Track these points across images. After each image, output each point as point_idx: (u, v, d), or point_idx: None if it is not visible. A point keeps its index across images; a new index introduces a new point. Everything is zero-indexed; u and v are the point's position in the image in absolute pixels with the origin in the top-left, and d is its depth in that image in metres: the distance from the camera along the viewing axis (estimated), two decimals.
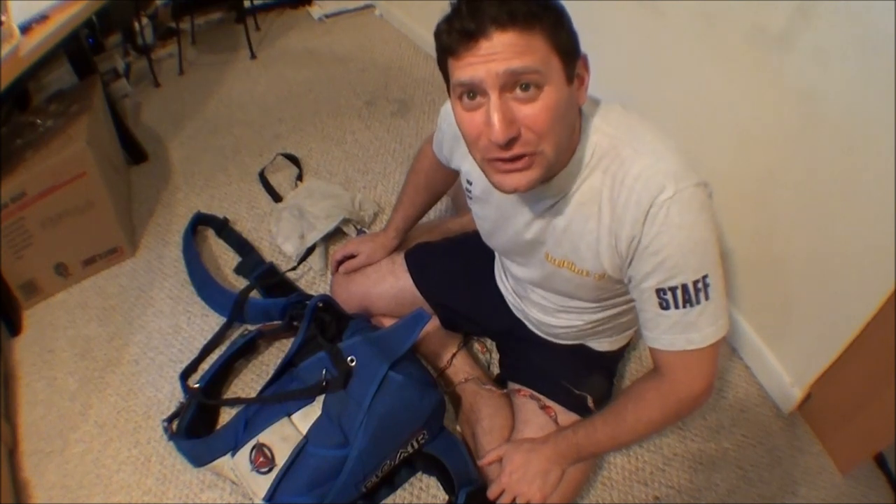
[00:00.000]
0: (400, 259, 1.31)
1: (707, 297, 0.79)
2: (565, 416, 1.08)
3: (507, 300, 1.20)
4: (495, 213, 0.97)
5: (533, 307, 1.11)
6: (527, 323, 1.17)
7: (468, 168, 0.99)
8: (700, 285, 0.79)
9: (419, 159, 1.28)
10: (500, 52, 0.68)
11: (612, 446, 1.04)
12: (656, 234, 0.77)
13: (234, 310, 1.39)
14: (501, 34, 0.67)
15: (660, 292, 0.80)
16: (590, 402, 1.10)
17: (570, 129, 0.77)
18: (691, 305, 0.80)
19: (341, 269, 1.37)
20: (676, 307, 0.80)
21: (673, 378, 0.87)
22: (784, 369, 1.30)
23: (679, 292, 0.79)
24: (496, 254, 1.20)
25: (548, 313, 1.09)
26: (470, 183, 1.01)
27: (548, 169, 0.77)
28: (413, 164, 1.30)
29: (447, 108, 1.01)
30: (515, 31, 0.67)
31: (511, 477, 1.03)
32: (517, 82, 0.69)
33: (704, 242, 0.78)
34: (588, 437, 0.99)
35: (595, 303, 1.00)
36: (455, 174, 1.15)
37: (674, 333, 0.83)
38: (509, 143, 0.71)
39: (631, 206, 0.77)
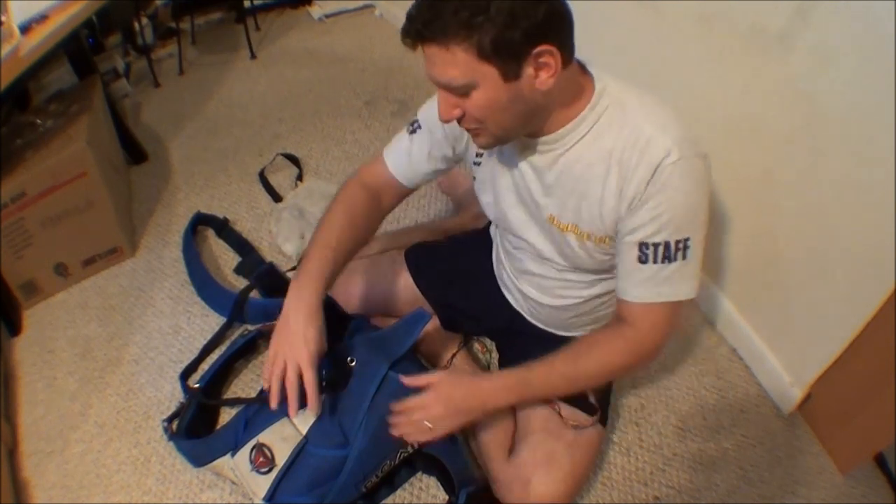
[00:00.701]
0: (400, 258, 1.31)
1: (684, 258, 0.86)
2: (568, 410, 1.08)
3: (504, 290, 1.20)
4: (506, 169, 0.99)
5: (531, 286, 1.11)
6: (525, 314, 1.17)
7: None
8: (681, 245, 0.85)
9: (352, 195, 1.08)
10: (431, 60, 0.78)
11: (563, 389, 1.01)
12: (656, 192, 0.83)
13: (235, 310, 1.39)
14: (427, 46, 0.77)
15: (642, 246, 0.86)
16: (591, 398, 1.10)
17: (524, 113, 0.83)
18: (669, 262, 0.86)
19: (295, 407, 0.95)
20: (655, 262, 0.86)
21: (638, 328, 0.91)
22: (784, 369, 1.30)
23: (661, 248, 0.85)
24: (494, 236, 1.20)
25: (544, 291, 1.09)
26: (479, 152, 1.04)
27: (499, 138, 0.87)
28: (341, 202, 1.07)
29: (431, 111, 1.00)
30: (435, 45, 0.76)
31: (429, 399, 0.97)
32: (447, 87, 0.80)
33: (696, 208, 0.85)
34: (544, 376, 0.96)
35: (593, 274, 1.01)
36: (395, 201, 1.13)
37: (647, 287, 0.88)
38: (459, 120, 0.84)
39: (641, 168, 0.83)
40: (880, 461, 1.22)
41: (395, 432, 1.00)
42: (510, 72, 0.77)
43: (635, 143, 0.83)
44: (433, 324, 1.29)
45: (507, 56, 0.75)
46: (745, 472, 1.21)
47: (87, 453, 1.24)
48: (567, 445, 1.04)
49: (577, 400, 1.09)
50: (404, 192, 1.13)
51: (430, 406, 0.97)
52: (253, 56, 2.52)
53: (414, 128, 1.07)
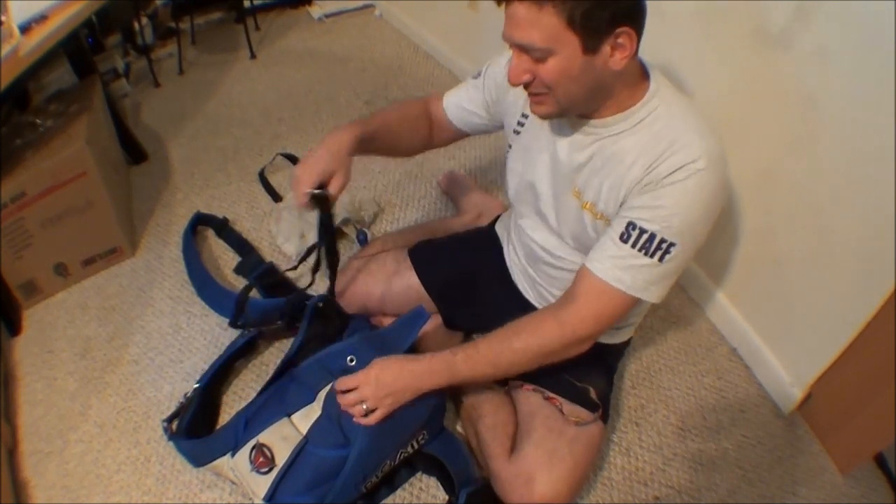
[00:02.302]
0: (402, 258, 1.31)
1: (661, 260, 0.86)
2: (570, 407, 1.08)
3: (514, 277, 1.20)
4: (547, 140, 1.02)
5: (541, 270, 1.12)
6: (534, 302, 1.17)
7: (523, 102, 1.04)
8: (664, 245, 0.86)
9: (406, 103, 1.19)
10: (515, 20, 0.80)
11: (490, 372, 1.00)
12: (669, 186, 0.84)
13: (236, 311, 1.38)
14: (518, 4, 0.79)
15: (630, 225, 0.87)
16: (592, 395, 1.10)
17: (591, 87, 0.86)
18: (645, 254, 0.86)
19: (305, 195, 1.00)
20: (633, 246, 0.87)
21: (583, 307, 0.91)
22: (784, 369, 1.30)
23: (645, 237, 0.86)
24: (506, 227, 1.23)
25: (554, 276, 1.10)
26: (525, 116, 1.07)
27: (562, 109, 0.89)
28: (404, 102, 1.21)
29: (497, 68, 1.09)
30: (527, 4, 0.78)
31: (363, 380, 1.00)
32: (525, 49, 0.82)
33: (696, 222, 0.86)
34: (467, 359, 0.98)
35: None
36: (442, 138, 1.21)
37: (612, 264, 0.88)
38: (526, 85, 0.86)
39: (667, 162, 0.85)
40: (880, 461, 1.22)
41: (344, 409, 1.02)
42: (590, 45, 0.80)
43: (672, 141, 0.85)
44: (433, 323, 1.29)
45: (592, 30, 0.79)
46: (745, 472, 1.21)
47: (87, 453, 1.24)
48: (569, 443, 1.04)
49: (578, 396, 1.09)
50: (450, 131, 1.20)
51: (361, 388, 1.00)
52: (253, 56, 2.52)
53: (476, 74, 1.14)
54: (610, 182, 0.92)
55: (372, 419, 1.00)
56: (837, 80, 1.02)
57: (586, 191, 0.96)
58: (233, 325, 1.34)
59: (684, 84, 1.34)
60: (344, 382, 1.03)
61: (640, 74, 0.91)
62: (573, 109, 0.91)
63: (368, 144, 1.06)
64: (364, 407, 1.00)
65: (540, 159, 1.04)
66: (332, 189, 1.00)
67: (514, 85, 0.87)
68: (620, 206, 0.91)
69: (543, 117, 0.94)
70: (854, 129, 1.01)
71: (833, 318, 1.16)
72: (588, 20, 0.78)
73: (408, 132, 1.16)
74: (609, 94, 0.89)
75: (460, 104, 1.17)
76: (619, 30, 0.80)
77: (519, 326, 0.97)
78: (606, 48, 0.81)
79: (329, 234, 1.13)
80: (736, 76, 1.22)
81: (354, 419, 1.01)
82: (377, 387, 1.00)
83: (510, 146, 1.11)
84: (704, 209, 0.86)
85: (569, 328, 0.93)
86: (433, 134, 1.21)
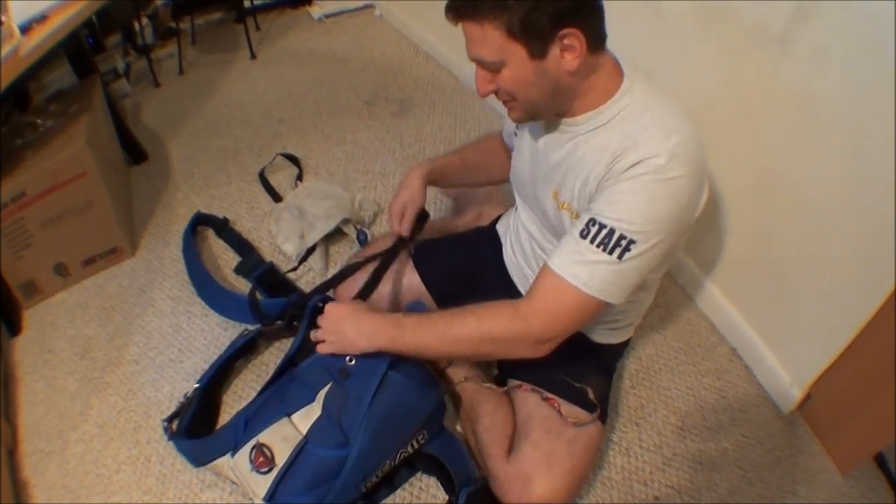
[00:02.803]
0: (404, 257, 1.31)
1: (620, 258, 0.84)
2: (568, 408, 1.08)
3: (514, 276, 1.21)
4: (530, 141, 1.06)
5: (536, 261, 1.13)
6: None
7: None
8: (623, 242, 0.83)
9: (485, 138, 1.34)
10: (467, 37, 0.86)
11: (435, 345, 0.99)
12: (628, 180, 0.84)
13: (254, 312, 1.37)
14: (463, 23, 0.85)
15: (590, 221, 0.85)
16: (591, 395, 1.10)
17: (550, 90, 0.88)
18: (603, 250, 0.84)
19: (405, 223, 1.21)
20: (591, 242, 0.85)
21: (537, 302, 0.89)
22: (784, 369, 1.30)
23: (604, 232, 0.84)
24: (508, 226, 1.25)
25: None
26: None
27: (530, 113, 0.93)
28: (477, 139, 1.36)
29: None
30: (471, 23, 0.83)
31: (328, 309, 1.07)
32: (482, 63, 0.88)
33: (657, 220, 0.83)
34: (416, 326, 0.98)
35: None
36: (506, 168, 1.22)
37: (569, 260, 0.87)
38: (496, 94, 0.91)
39: (628, 156, 0.84)
40: (880, 461, 1.22)
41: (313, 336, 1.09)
42: (536, 51, 0.83)
43: (634, 136, 0.86)
44: None
45: (534, 36, 0.82)
46: (745, 472, 1.21)
47: (87, 453, 1.24)
48: (567, 444, 1.04)
49: (576, 397, 1.09)
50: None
51: (325, 317, 1.07)
52: (253, 56, 2.52)
53: None
54: (581, 181, 0.93)
55: (321, 349, 1.07)
56: (837, 80, 1.02)
57: (562, 191, 0.98)
58: (263, 323, 1.35)
59: (684, 84, 1.34)
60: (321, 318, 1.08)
61: (613, 72, 0.91)
62: (542, 112, 0.94)
63: (442, 179, 1.25)
64: (318, 334, 1.07)
65: (527, 159, 1.08)
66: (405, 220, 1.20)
67: (483, 96, 0.92)
68: (589, 203, 0.91)
69: (517, 122, 1.00)
70: (854, 129, 1.01)
71: (833, 318, 1.16)
72: (527, 27, 0.81)
73: (486, 165, 1.29)
74: (574, 93, 0.90)
75: (510, 130, 1.21)
76: (562, 31, 0.81)
77: (477, 308, 0.94)
78: (555, 51, 0.83)
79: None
80: (735, 76, 1.22)
81: (319, 347, 1.07)
82: (329, 325, 1.06)
83: (513, 147, 1.16)
84: (665, 206, 0.83)
85: (521, 320, 0.89)
86: (507, 158, 1.24)
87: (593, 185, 0.90)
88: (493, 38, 0.83)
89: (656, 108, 0.89)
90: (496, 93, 0.91)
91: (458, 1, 0.84)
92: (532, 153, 1.05)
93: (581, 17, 0.82)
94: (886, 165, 0.95)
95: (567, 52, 0.83)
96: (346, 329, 1.04)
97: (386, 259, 1.25)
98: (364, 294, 1.21)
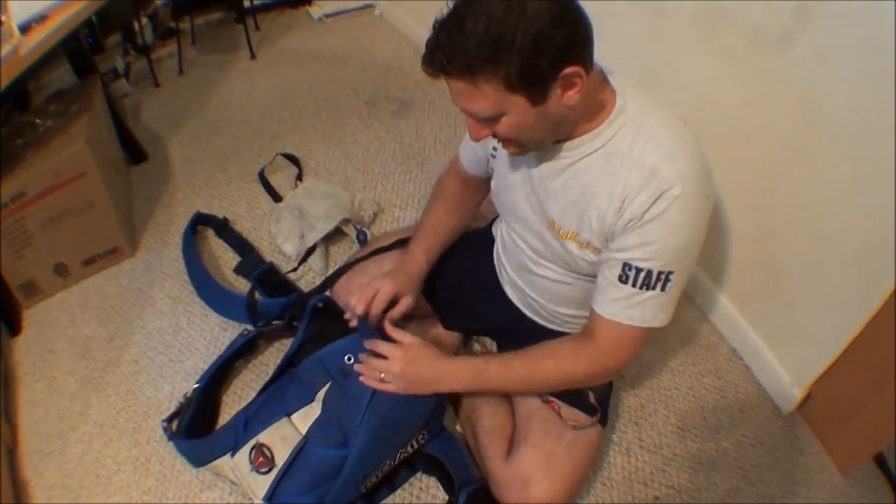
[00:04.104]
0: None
1: (663, 290, 0.87)
2: (568, 411, 1.08)
3: (504, 286, 1.21)
4: (522, 166, 1.01)
5: (530, 283, 1.12)
6: (525, 310, 1.18)
7: None
8: (663, 277, 0.86)
9: (444, 183, 1.25)
10: (455, 92, 0.80)
11: (516, 388, 1.07)
12: (652, 220, 0.83)
13: (250, 313, 1.38)
14: (450, 79, 0.78)
15: (626, 266, 0.87)
16: (591, 399, 1.10)
17: (552, 126, 0.85)
18: (647, 289, 0.87)
19: (370, 318, 1.13)
20: (633, 286, 0.87)
21: (602, 345, 0.93)
22: (784, 369, 1.30)
23: (642, 275, 0.86)
24: (496, 233, 1.23)
25: (542, 288, 1.10)
26: (495, 149, 1.07)
27: (530, 148, 0.90)
28: (437, 190, 1.26)
29: None
30: (461, 80, 0.77)
31: (397, 354, 1.03)
32: (475, 117, 0.82)
33: (687, 246, 0.86)
34: (501, 371, 1.00)
35: (592, 277, 1.01)
36: (484, 188, 1.20)
37: (618, 305, 0.90)
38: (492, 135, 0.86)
39: (643, 193, 0.83)
40: (880, 461, 1.22)
41: (357, 368, 1.05)
42: (538, 97, 0.78)
43: (642, 167, 0.83)
44: (430, 323, 1.30)
45: (535, 83, 0.77)
46: (745, 472, 1.21)
47: (87, 453, 1.24)
48: (566, 446, 1.04)
49: (577, 400, 1.09)
50: (482, 180, 1.20)
51: (392, 362, 1.02)
52: (253, 56, 2.52)
53: None
54: (590, 214, 0.90)
55: (379, 388, 1.03)
56: (837, 80, 1.02)
57: (565, 222, 0.95)
58: (256, 324, 1.35)
59: (684, 84, 1.34)
60: (379, 346, 1.04)
61: (605, 91, 0.88)
62: (543, 145, 0.91)
63: (436, 255, 1.19)
64: (381, 376, 1.02)
65: (517, 186, 1.03)
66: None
67: (477, 140, 0.87)
68: (607, 241, 0.90)
69: (517, 155, 0.95)
70: (854, 129, 1.01)
71: (833, 319, 1.16)
72: (526, 77, 0.75)
73: (463, 217, 1.24)
74: (574, 122, 0.87)
75: (470, 154, 1.16)
76: (563, 72, 0.76)
77: (548, 351, 0.98)
78: (556, 91, 0.78)
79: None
80: (736, 76, 1.22)
81: (363, 379, 1.04)
82: (405, 370, 1.02)
83: (492, 169, 1.11)
84: (692, 230, 0.85)
85: (596, 362, 0.95)
86: (476, 192, 1.24)
87: (611, 224, 0.88)
88: (488, 93, 0.77)
89: (654, 126, 0.86)
90: (494, 134, 0.86)
91: (439, 57, 0.75)
92: (525, 180, 1.01)
93: (577, 51, 0.77)
94: (886, 165, 0.95)
95: (569, 89, 0.79)
96: (422, 371, 1.02)
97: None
98: (328, 284, 1.23)
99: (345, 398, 1.06)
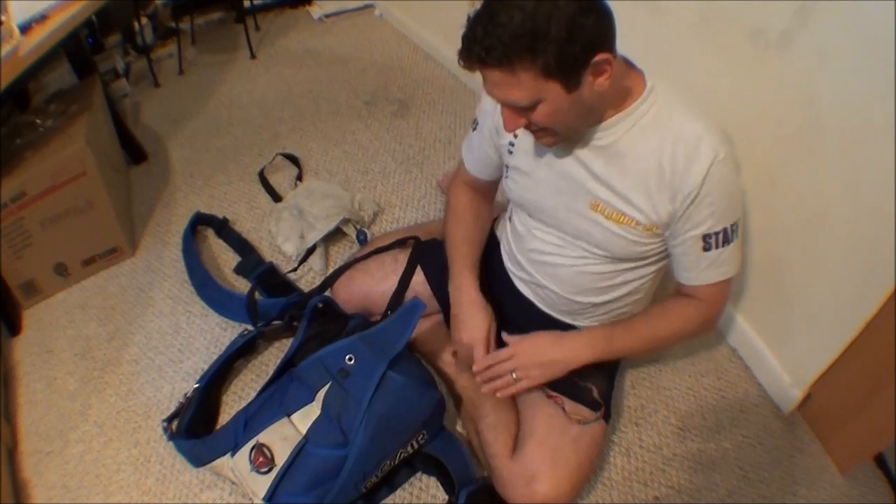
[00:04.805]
0: (403, 257, 1.31)
1: (737, 237, 0.97)
2: (572, 406, 1.08)
3: (515, 279, 1.20)
4: (549, 158, 1.02)
5: (549, 274, 1.12)
6: (538, 303, 1.17)
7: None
8: (734, 228, 0.96)
9: (456, 201, 1.23)
10: (493, 82, 0.82)
11: (639, 350, 1.12)
12: (712, 189, 0.89)
13: (251, 313, 1.38)
14: (488, 70, 0.80)
15: (706, 237, 0.95)
16: (595, 394, 1.10)
17: (585, 113, 0.88)
18: (727, 244, 0.96)
19: (460, 361, 1.17)
20: (717, 247, 0.95)
21: (709, 303, 1.03)
22: (784, 369, 1.30)
23: (721, 235, 0.95)
24: (503, 230, 1.23)
25: (562, 279, 1.10)
26: (512, 144, 1.08)
27: (566, 136, 0.93)
28: (451, 211, 1.23)
29: (485, 106, 1.10)
30: (498, 69, 0.79)
31: (518, 348, 1.05)
32: (512, 106, 0.85)
33: (740, 195, 0.96)
34: (626, 335, 1.06)
35: (619, 263, 1.04)
36: (493, 191, 1.24)
37: (712, 269, 0.98)
38: (525, 126, 0.89)
39: (695, 166, 0.88)
40: (880, 461, 1.22)
41: (485, 389, 1.07)
42: (573, 83, 0.81)
43: (686, 142, 0.89)
44: (433, 322, 1.29)
45: (570, 70, 0.80)
46: (745, 472, 1.21)
47: (87, 453, 1.24)
48: (571, 441, 1.04)
49: (580, 395, 1.09)
50: (491, 185, 1.22)
51: (517, 356, 1.04)
52: (253, 56, 2.52)
53: (474, 125, 1.14)
54: (639, 194, 0.93)
55: (515, 389, 1.05)
56: (837, 80, 1.01)
57: (612, 202, 0.96)
58: (256, 324, 1.36)
59: (684, 84, 1.33)
60: (496, 357, 1.06)
61: (631, 74, 0.92)
62: (577, 133, 0.94)
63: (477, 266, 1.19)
64: (513, 376, 1.04)
65: (545, 179, 1.03)
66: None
67: (512, 131, 0.90)
68: (671, 218, 0.94)
69: (551, 146, 0.96)
70: (854, 129, 1.01)
71: (833, 319, 1.16)
72: (562, 65, 0.78)
73: (480, 221, 1.23)
74: (604, 109, 0.91)
75: (478, 159, 1.17)
76: (595, 59, 0.79)
77: (663, 312, 1.06)
78: (588, 78, 0.82)
79: None
80: (736, 77, 1.22)
81: (499, 392, 1.06)
82: (531, 357, 1.04)
83: (507, 165, 1.10)
84: (738, 180, 0.94)
85: (707, 316, 1.05)
86: (488, 198, 1.25)
87: (671, 195, 0.91)
88: (526, 82, 0.79)
89: (685, 101, 0.93)
90: (527, 125, 0.88)
91: (477, 49, 0.78)
92: (554, 169, 1.01)
93: (607, 36, 0.81)
94: (887, 166, 0.95)
95: (600, 75, 0.82)
96: (549, 354, 1.04)
97: (410, 267, 1.28)
98: (394, 304, 1.25)
99: (345, 398, 1.06)
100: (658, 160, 0.90)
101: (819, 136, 1.08)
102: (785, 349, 1.30)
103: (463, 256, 1.17)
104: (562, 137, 0.92)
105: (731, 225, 0.95)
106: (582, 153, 0.97)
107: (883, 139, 0.95)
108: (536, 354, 1.04)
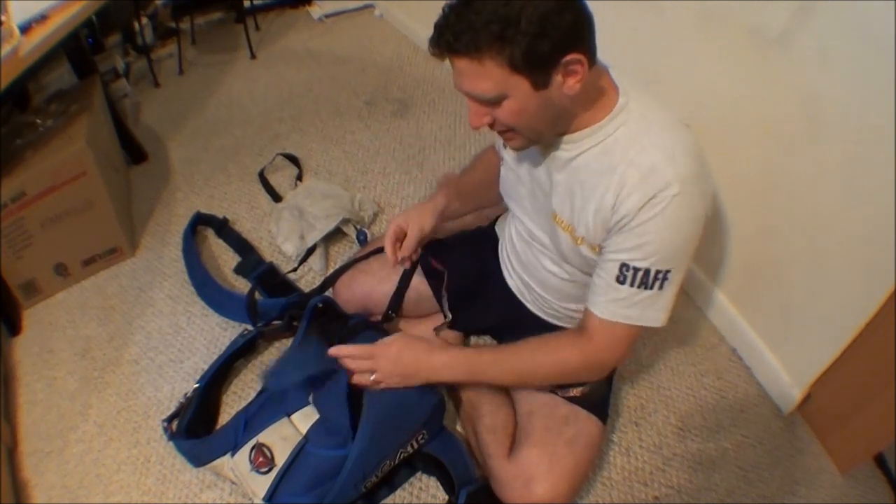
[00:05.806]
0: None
1: (661, 288, 0.88)
2: (568, 407, 1.08)
3: (508, 279, 1.21)
4: (527, 157, 1.03)
5: (534, 276, 1.13)
6: (528, 304, 1.18)
7: None
8: (661, 276, 0.87)
9: (484, 156, 1.27)
10: (460, 71, 0.81)
11: (508, 381, 1.08)
12: (648, 220, 0.84)
13: (251, 314, 1.38)
14: (457, 58, 0.80)
15: (623, 267, 0.88)
16: (592, 394, 1.10)
17: (552, 117, 0.86)
18: (645, 288, 0.88)
19: (400, 256, 1.15)
20: (631, 285, 0.88)
21: (598, 343, 0.94)
22: (784, 369, 1.30)
23: (640, 274, 0.87)
24: (502, 229, 1.23)
25: (546, 282, 1.11)
26: None
27: (531, 140, 0.91)
28: (475, 161, 1.29)
29: None
30: (466, 59, 0.78)
31: (380, 351, 1.03)
32: (477, 98, 0.83)
33: (684, 244, 0.87)
34: (493, 363, 1.01)
35: (589, 273, 1.01)
36: None
37: (616, 305, 0.90)
38: (490, 125, 0.87)
39: (638, 191, 0.84)
40: (880, 461, 1.22)
41: (346, 365, 1.04)
42: (540, 81, 0.80)
43: (640, 165, 0.84)
44: (431, 323, 1.29)
45: (538, 67, 0.78)
46: (744, 472, 1.21)
47: (87, 453, 1.24)
48: (568, 442, 1.04)
49: (575, 396, 1.09)
50: None
51: (378, 360, 1.02)
52: (253, 56, 2.52)
53: None
54: (586, 209, 0.91)
55: (374, 388, 1.03)
56: (837, 80, 1.02)
57: (563, 213, 0.96)
58: (256, 325, 1.35)
59: (684, 84, 1.34)
60: (362, 350, 1.04)
61: (608, 88, 0.89)
62: (542, 138, 0.92)
63: (461, 200, 1.19)
64: (371, 378, 1.02)
65: (524, 178, 1.05)
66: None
67: (476, 128, 0.87)
68: (603, 241, 0.91)
69: (518, 150, 0.96)
70: (854, 129, 1.01)
71: (833, 319, 1.16)
72: (530, 59, 0.77)
73: (491, 184, 1.19)
74: (572, 114, 0.88)
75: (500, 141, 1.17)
76: (565, 59, 0.78)
77: (544, 344, 0.99)
78: (558, 78, 0.80)
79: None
80: (735, 77, 1.22)
81: (354, 380, 1.03)
82: (393, 364, 1.02)
83: (502, 158, 1.12)
84: (689, 229, 0.86)
85: (591, 358, 0.96)
86: None
87: (608, 218, 0.88)
88: (493, 72, 0.78)
89: (654, 126, 0.87)
90: (491, 125, 0.87)
91: (447, 35, 0.78)
92: (530, 173, 1.02)
93: (581, 38, 0.79)
94: (886, 165, 0.95)
95: (570, 77, 0.80)
96: (413, 362, 1.02)
97: (411, 266, 1.25)
98: (393, 307, 1.25)
99: (328, 399, 1.06)
100: (607, 183, 0.87)
101: (819, 135, 1.08)
102: (785, 349, 1.30)
103: (450, 186, 1.20)
104: (528, 142, 0.91)
105: (660, 271, 0.86)
106: (550, 162, 0.96)
107: (883, 139, 0.95)
108: (398, 364, 1.02)
